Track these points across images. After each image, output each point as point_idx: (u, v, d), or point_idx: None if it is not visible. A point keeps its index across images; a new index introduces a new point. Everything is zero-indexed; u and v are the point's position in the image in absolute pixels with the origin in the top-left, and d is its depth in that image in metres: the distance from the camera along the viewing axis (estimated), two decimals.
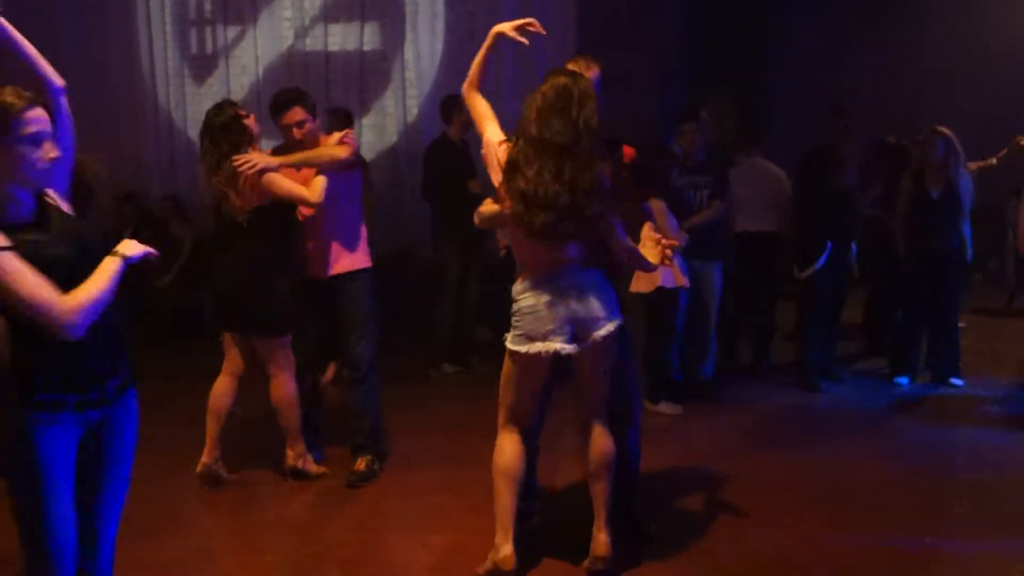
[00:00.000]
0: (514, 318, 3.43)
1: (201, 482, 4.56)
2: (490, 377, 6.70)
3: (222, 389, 4.63)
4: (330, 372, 6.23)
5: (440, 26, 8.51)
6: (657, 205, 5.60)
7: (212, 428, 4.61)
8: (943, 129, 6.18)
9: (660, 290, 5.57)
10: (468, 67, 3.58)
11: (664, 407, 5.76)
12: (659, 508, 4.22)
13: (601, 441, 3.55)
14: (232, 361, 4.66)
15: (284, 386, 4.54)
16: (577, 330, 3.37)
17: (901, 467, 4.84)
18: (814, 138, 6.52)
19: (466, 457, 4.88)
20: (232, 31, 8.83)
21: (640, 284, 5.65)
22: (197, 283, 8.37)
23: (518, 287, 3.44)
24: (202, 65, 8.90)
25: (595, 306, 3.37)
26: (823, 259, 6.22)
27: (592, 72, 3.58)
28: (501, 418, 3.60)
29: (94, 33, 8.79)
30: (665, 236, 5.57)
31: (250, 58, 8.78)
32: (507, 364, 3.52)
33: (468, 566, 3.64)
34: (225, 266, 4.50)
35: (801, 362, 6.48)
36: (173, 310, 8.23)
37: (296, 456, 4.67)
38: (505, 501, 3.50)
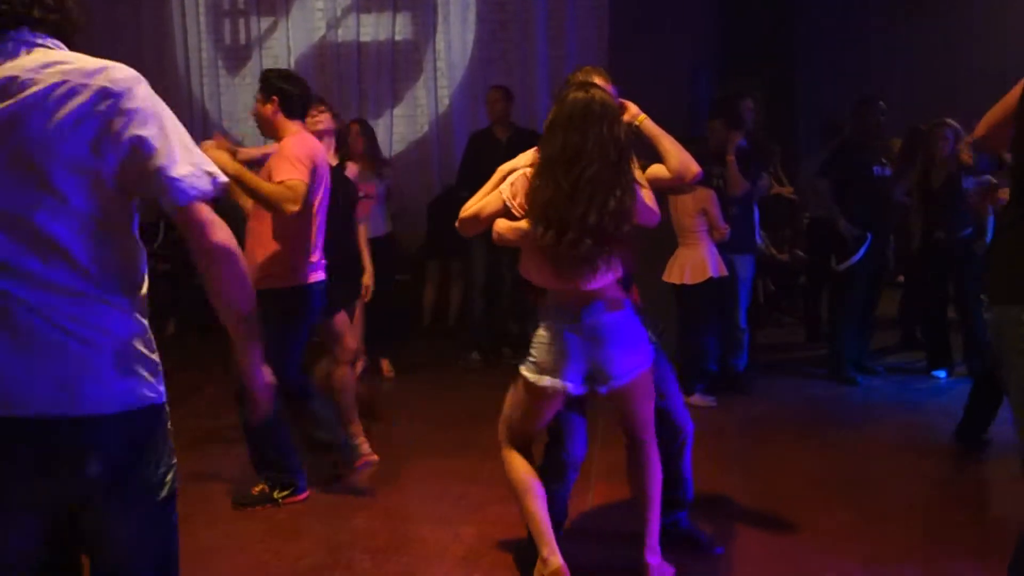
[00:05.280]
0: (532, 343, 3.23)
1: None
2: (517, 369, 6.77)
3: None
4: (359, 365, 6.23)
5: (471, 16, 8.49)
6: (706, 193, 5.57)
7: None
8: (951, 121, 6.11)
9: (711, 280, 5.58)
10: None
11: (697, 399, 5.72)
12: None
13: (648, 461, 3.35)
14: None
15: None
16: (593, 373, 3.14)
17: (935, 462, 4.78)
18: (847, 129, 6.48)
19: (493, 448, 4.84)
20: (265, 22, 8.88)
21: (677, 275, 5.65)
22: None
23: (542, 312, 3.21)
24: (235, 56, 8.96)
25: (614, 355, 3.11)
26: (862, 251, 6.14)
27: (609, 87, 3.28)
28: (502, 435, 3.41)
29: (128, 24, 8.87)
30: (715, 225, 5.60)
31: (283, 49, 8.82)
32: (517, 385, 3.32)
33: (498, 557, 3.65)
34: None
35: (835, 355, 6.42)
36: (203, 301, 8.27)
37: None
38: (536, 515, 3.26)
